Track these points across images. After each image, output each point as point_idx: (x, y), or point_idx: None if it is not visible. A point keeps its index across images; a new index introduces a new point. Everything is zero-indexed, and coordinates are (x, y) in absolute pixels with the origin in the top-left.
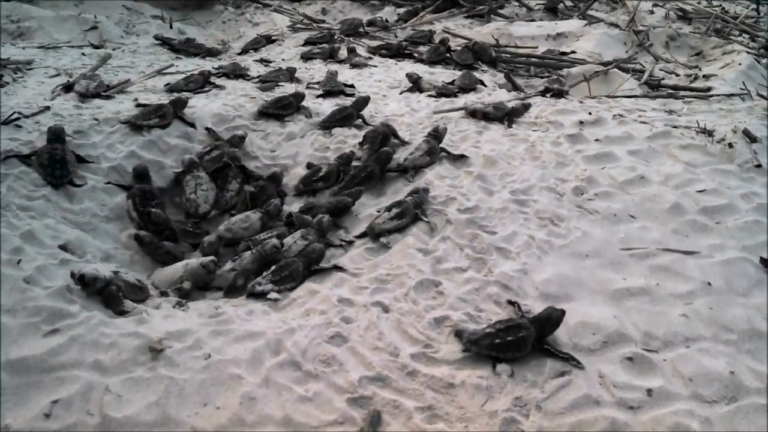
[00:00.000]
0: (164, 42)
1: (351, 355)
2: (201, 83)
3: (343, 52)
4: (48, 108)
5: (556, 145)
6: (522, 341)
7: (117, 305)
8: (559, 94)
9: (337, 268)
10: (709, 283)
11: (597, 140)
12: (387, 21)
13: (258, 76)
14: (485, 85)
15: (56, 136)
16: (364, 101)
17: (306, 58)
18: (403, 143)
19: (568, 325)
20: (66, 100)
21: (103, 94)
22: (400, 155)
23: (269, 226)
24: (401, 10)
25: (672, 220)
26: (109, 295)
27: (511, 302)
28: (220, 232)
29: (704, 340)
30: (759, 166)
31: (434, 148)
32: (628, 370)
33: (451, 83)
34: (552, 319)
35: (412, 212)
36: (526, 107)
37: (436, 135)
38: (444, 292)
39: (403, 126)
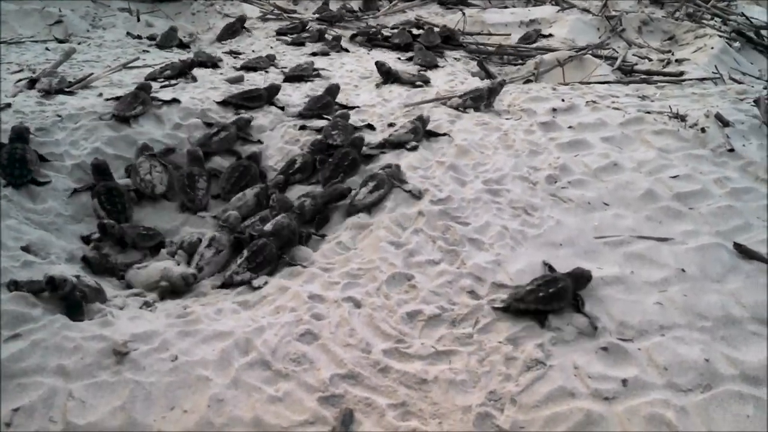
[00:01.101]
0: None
1: (322, 352)
2: (178, 71)
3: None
4: (9, 105)
5: (529, 133)
6: (563, 291)
7: (79, 314)
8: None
9: (302, 266)
10: (684, 270)
11: (570, 127)
12: (360, 9)
13: (243, 65)
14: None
15: (18, 135)
16: (336, 88)
17: (296, 43)
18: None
19: None
20: (28, 96)
21: (67, 89)
22: (385, 133)
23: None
24: None
25: (646, 207)
26: (73, 302)
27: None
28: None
29: (679, 328)
30: (732, 150)
31: (418, 129)
32: (603, 361)
33: (409, 60)
34: (584, 275)
35: (389, 182)
36: (502, 84)
37: (422, 121)
38: (417, 286)
39: (375, 116)
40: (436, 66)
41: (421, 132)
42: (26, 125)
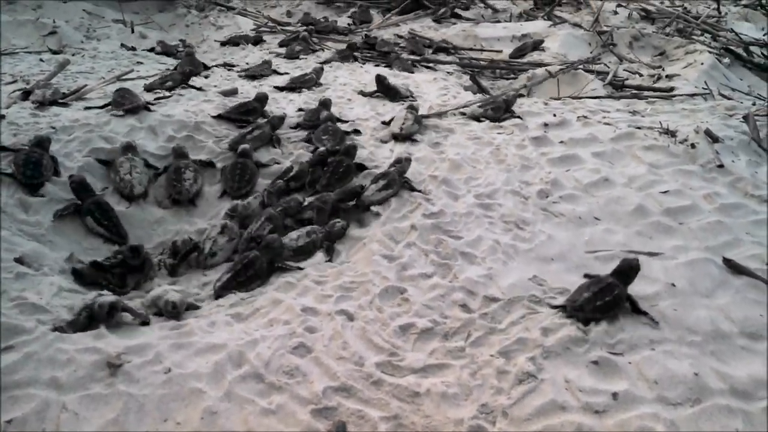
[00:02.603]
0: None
1: (315, 365)
2: (178, 82)
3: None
4: (3, 117)
5: (520, 148)
6: (619, 298)
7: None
8: None
9: (299, 268)
10: (673, 285)
11: (561, 142)
12: (354, 22)
13: (245, 69)
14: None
15: (39, 143)
16: (330, 101)
17: (290, 57)
18: None
19: None
20: (22, 108)
21: (61, 101)
22: (394, 125)
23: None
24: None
25: (636, 222)
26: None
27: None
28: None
29: (669, 342)
30: (721, 166)
31: (418, 118)
32: (594, 374)
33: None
34: (632, 267)
35: (399, 181)
36: (515, 96)
37: (415, 108)
38: (409, 299)
39: (369, 130)
40: (411, 71)
41: (420, 120)
42: (48, 136)
